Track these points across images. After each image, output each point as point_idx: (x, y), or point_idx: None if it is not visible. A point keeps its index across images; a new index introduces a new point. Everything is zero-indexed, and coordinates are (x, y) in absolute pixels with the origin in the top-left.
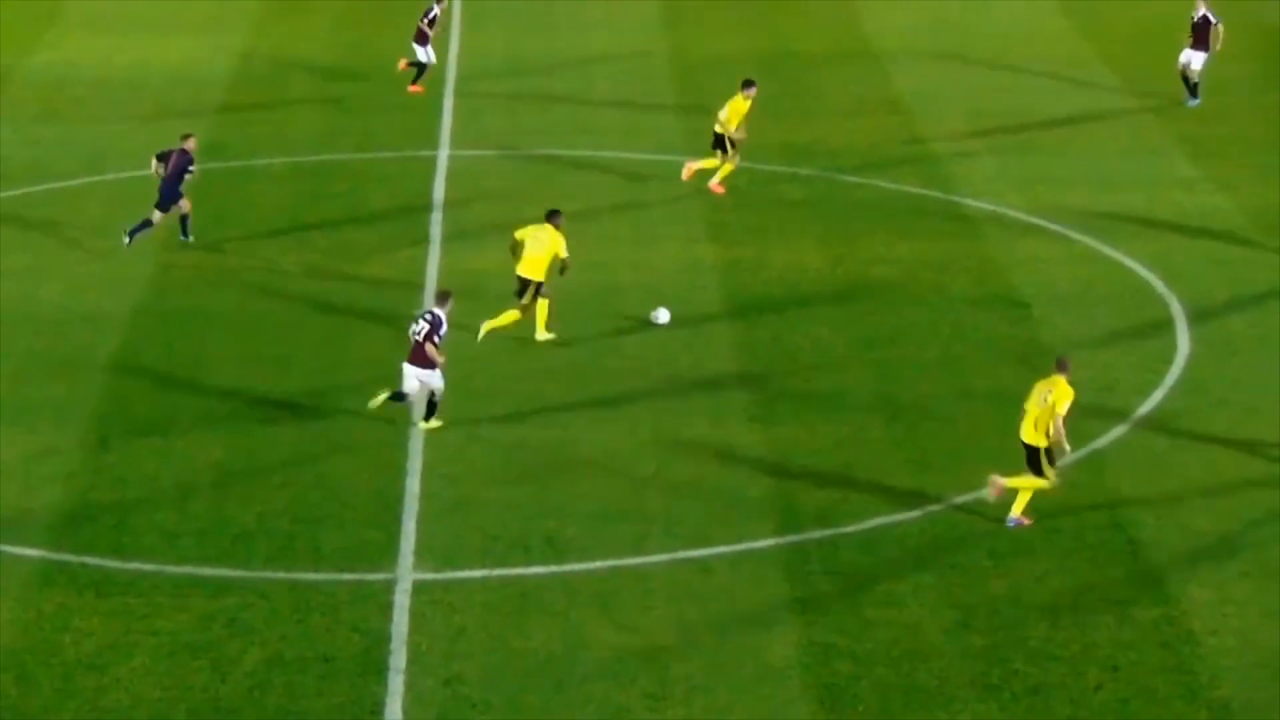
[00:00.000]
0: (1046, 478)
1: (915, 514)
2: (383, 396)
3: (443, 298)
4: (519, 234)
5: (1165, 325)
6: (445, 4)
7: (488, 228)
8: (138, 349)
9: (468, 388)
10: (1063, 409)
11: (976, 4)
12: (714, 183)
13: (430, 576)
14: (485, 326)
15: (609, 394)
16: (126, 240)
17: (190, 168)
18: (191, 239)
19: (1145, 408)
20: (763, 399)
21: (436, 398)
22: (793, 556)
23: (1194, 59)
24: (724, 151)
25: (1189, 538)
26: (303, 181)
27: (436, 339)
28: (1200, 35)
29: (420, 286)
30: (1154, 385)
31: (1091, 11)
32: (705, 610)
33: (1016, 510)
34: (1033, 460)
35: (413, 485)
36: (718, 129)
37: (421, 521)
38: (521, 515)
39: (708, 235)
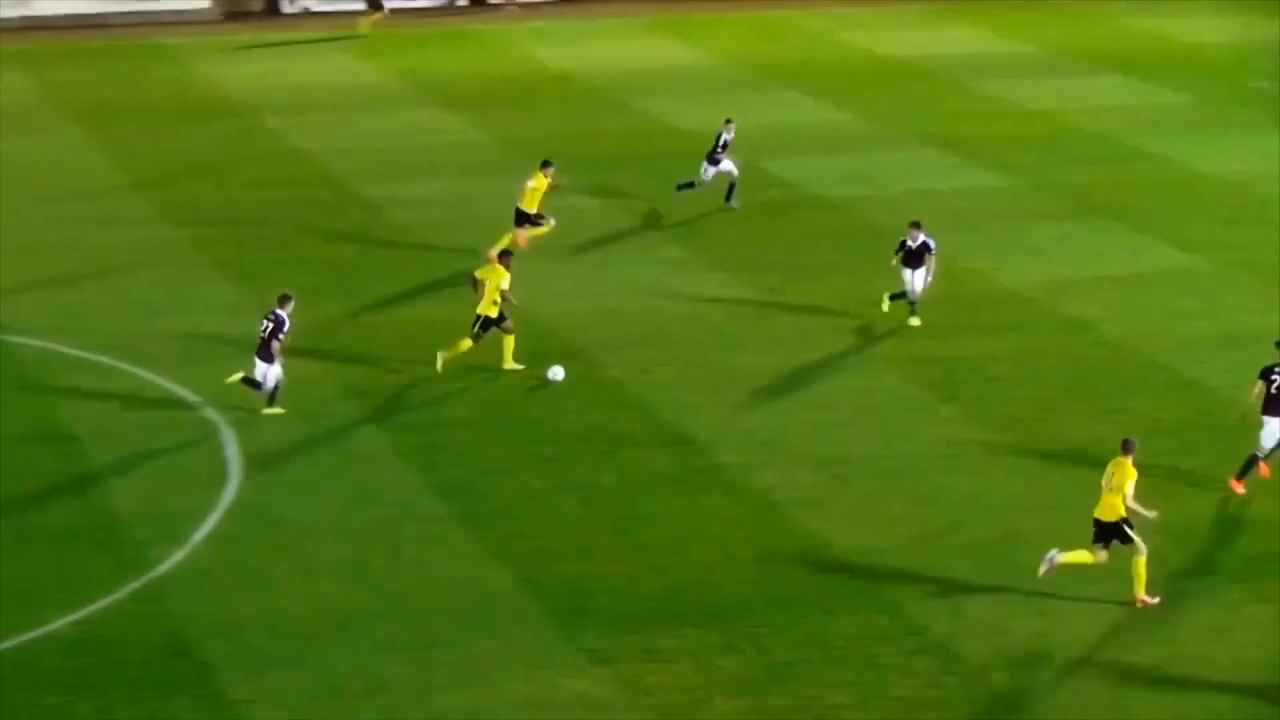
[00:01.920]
0: (1138, 547)
1: None
2: (238, 376)
3: (283, 300)
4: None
5: (216, 448)
6: None
7: None
8: None
9: None
10: (1127, 489)
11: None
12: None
13: None
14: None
15: None
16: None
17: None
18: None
19: (202, 532)
20: None
21: (278, 388)
22: None
23: (916, 279)
24: (530, 226)
25: (252, 657)
26: None
27: (281, 335)
28: (915, 256)
29: None
30: (209, 509)
31: (122, 139)
32: None
33: (1140, 591)
34: (1118, 535)
35: None
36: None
37: None
38: None
39: None
